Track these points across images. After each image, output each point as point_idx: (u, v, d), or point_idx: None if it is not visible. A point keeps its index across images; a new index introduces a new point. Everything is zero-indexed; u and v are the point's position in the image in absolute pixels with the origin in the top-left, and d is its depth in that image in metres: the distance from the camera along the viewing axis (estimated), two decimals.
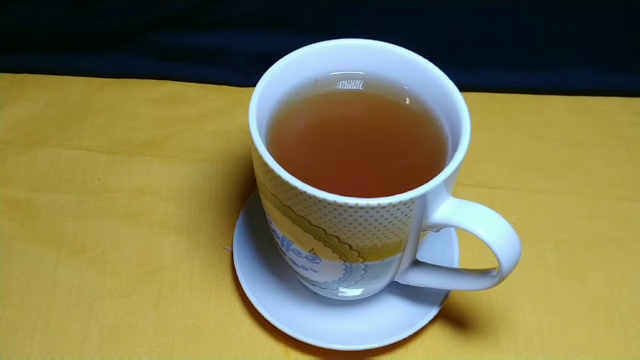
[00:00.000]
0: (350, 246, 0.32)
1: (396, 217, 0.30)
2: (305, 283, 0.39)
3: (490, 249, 0.32)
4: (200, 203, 0.45)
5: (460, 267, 0.41)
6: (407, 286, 0.38)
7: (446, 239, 0.41)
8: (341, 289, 0.37)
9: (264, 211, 0.36)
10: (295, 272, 0.38)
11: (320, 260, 0.34)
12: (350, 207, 0.29)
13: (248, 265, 0.40)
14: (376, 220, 0.30)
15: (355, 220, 0.30)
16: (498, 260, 0.32)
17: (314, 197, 0.30)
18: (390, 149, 0.36)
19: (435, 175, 0.31)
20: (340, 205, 0.29)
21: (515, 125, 0.50)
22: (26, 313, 0.39)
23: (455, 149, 0.32)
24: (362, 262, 0.33)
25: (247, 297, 0.39)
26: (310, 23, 0.49)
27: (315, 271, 0.36)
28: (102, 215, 0.44)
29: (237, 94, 0.51)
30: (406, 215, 0.31)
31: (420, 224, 0.32)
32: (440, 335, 0.40)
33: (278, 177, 0.30)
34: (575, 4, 0.48)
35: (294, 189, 0.30)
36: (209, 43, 0.51)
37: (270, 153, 0.31)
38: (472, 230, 0.32)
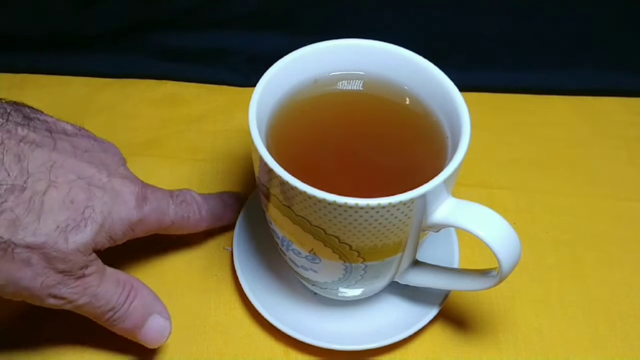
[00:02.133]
0: (350, 246, 0.32)
1: (396, 217, 0.30)
2: (305, 283, 0.39)
3: (490, 249, 0.32)
4: None
5: (460, 267, 0.41)
6: (407, 286, 0.38)
7: (446, 239, 0.41)
8: (341, 289, 0.37)
9: (264, 211, 0.36)
10: (295, 272, 0.38)
11: (320, 260, 0.34)
12: (350, 207, 0.29)
13: (248, 265, 0.40)
14: (376, 220, 0.30)
15: (355, 220, 0.30)
16: (498, 260, 0.32)
17: (314, 197, 0.30)
18: (390, 149, 0.36)
19: (435, 175, 0.31)
20: (340, 205, 0.29)
21: (515, 125, 0.50)
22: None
23: (455, 149, 0.32)
24: (362, 262, 0.33)
25: (247, 297, 0.39)
26: (310, 23, 0.49)
27: (315, 271, 0.36)
28: None
29: (237, 94, 0.51)
30: (406, 215, 0.31)
31: (420, 224, 0.32)
32: (440, 335, 0.39)
33: (278, 177, 0.30)
34: (576, 4, 0.48)
35: (294, 189, 0.30)
36: (209, 43, 0.51)
37: (270, 153, 0.31)
38: (472, 230, 0.32)
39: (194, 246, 0.42)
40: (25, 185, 0.31)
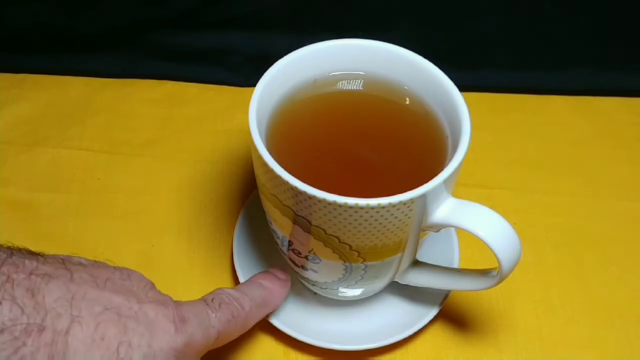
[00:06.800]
0: (350, 246, 0.32)
1: (396, 217, 0.30)
2: (305, 283, 0.39)
3: (490, 249, 0.32)
4: (200, 203, 0.45)
5: (460, 267, 0.41)
6: (407, 286, 0.38)
7: (446, 239, 0.41)
8: (341, 289, 0.37)
9: (264, 211, 0.36)
10: (295, 272, 0.38)
11: (320, 260, 0.34)
12: (350, 207, 0.29)
13: (248, 265, 0.40)
14: (376, 220, 0.30)
15: (355, 220, 0.30)
16: (498, 260, 0.32)
17: (314, 197, 0.30)
18: (390, 149, 0.36)
19: (435, 175, 0.31)
20: (340, 205, 0.29)
21: (515, 125, 0.50)
22: None
23: (455, 149, 0.32)
24: (362, 262, 0.33)
25: None
26: (310, 23, 0.49)
27: (315, 271, 0.36)
28: (102, 215, 0.44)
29: (237, 94, 0.51)
30: (406, 215, 0.31)
31: (420, 224, 0.32)
32: (440, 335, 0.40)
33: (278, 177, 0.30)
34: (575, 4, 0.48)
35: (294, 189, 0.30)
36: (209, 43, 0.51)
37: (270, 153, 0.31)
38: (472, 230, 0.32)
39: (194, 246, 0.43)
40: (44, 323, 0.26)
